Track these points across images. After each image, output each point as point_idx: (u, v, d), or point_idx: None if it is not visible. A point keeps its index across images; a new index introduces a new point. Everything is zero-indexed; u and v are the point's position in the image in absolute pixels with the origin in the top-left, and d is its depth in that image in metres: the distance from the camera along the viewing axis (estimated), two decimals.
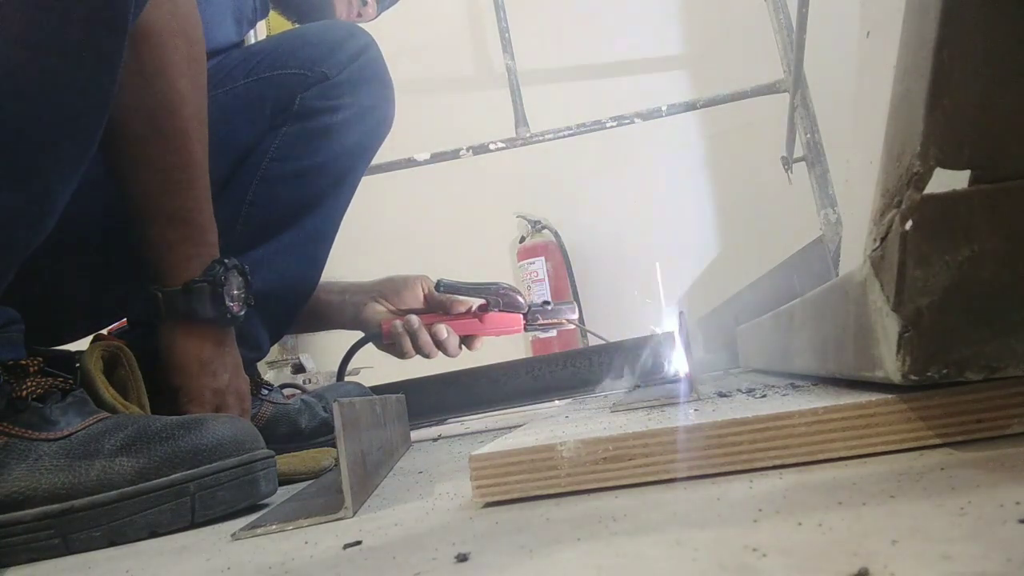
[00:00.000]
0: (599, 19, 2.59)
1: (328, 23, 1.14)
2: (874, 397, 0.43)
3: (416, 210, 2.63)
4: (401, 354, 1.17)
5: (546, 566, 0.32)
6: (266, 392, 1.01)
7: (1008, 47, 0.37)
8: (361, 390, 1.13)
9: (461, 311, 1.18)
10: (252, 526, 0.52)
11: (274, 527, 0.51)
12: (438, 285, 1.18)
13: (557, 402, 1.26)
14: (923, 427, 0.41)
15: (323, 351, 2.37)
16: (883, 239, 0.40)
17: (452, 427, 1.31)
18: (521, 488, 0.46)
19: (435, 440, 1.09)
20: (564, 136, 1.90)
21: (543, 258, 2.57)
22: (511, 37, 1.99)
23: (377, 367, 1.38)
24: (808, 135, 1.71)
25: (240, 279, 0.83)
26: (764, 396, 0.56)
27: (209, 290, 0.79)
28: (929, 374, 0.39)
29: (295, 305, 1.08)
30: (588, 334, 1.53)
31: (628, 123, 1.87)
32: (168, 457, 0.60)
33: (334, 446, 0.65)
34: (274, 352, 2.17)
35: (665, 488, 0.43)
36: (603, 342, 1.26)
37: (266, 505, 0.65)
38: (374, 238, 2.38)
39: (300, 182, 1.02)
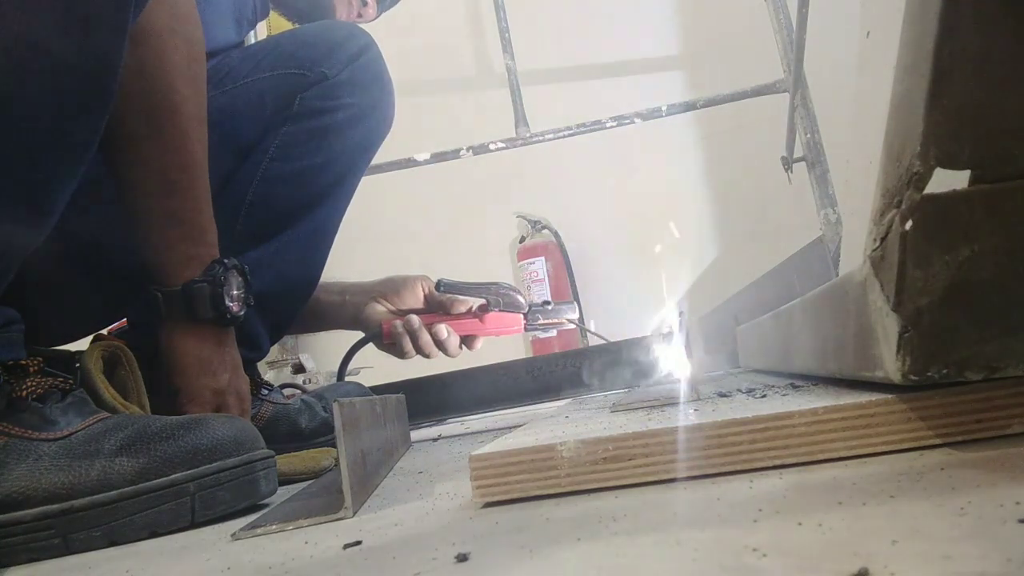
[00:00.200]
0: (599, 19, 2.59)
1: (328, 23, 1.14)
2: (874, 397, 0.43)
3: (416, 210, 2.63)
4: (401, 354, 1.17)
5: (546, 566, 0.32)
6: (266, 392, 1.01)
7: (1008, 47, 0.37)
8: (361, 390, 1.13)
9: (461, 311, 1.18)
10: (252, 526, 0.52)
11: (274, 527, 0.51)
12: (438, 285, 1.18)
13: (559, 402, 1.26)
14: (923, 427, 0.41)
15: (323, 351, 2.37)
16: (883, 239, 0.40)
17: (452, 427, 1.31)
18: (521, 488, 0.46)
19: (435, 440, 1.09)
20: (564, 136, 1.90)
21: (543, 258, 2.57)
22: (511, 37, 1.99)
23: (377, 367, 1.38)
24: (808, 135, 1.71)
25: (240, 279, 0.83)
26: (764, 396, 0.56)
27: (209, 290, 0.79)
28: (929, 374, 0.39)
29: (295, 305, 1.08)
30: (588, 334, 1.53)
31: (628, 123, 1.87)
32: (168, 457, 0.60)
33: (334, 446, 0.65)
34: (274, 352, 2.17)
35: (665, 488, 0.43)
36: (603, 342, 1.26)
37: (266, 505, 0.65)
38: (374, 238, 2.38)
39: (300, 182, 1.02)
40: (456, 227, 2.64)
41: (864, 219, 0.44)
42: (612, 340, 1.25)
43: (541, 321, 1.22)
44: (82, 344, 0.81)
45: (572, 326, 1.29)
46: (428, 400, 1.24)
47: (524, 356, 1.39)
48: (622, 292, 2.50)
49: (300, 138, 1.01)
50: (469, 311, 1.18)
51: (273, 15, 1.27)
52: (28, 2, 0.57)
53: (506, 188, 2.58)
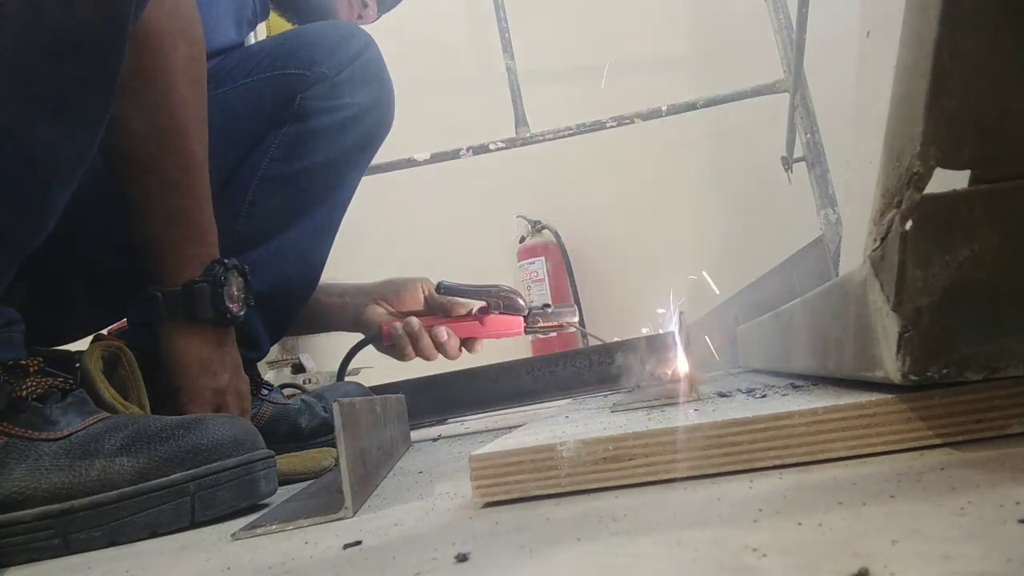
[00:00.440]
0: (599, 19, 2.59)
1: (328, 23, 1.14)
2: (874, 397, 0.43)
3: (416, 210, 2.63)
4: (401, 356, 1.17)
5: (546, 566, 0.32)
6: (266, 392, 1.01)
7: (1008, 47, 0.37)
8: (361, 390, 1.13)
9: (461, 313, 1.18)
10: (252, 526, 0.52)
11: (274, 527, 0.51)
12: (438, 287, 1.18)
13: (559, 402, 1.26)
14: (923, 427, 0.41)
15: (323, 351, 2.37)
16: (883, 239, 0.40)
17: (452, 427, 1.31)
18: (521, 488, 0.46)
19: (435, 440, 1.09)
20: (564, 136, 1.90)
21: (543, 258, 2.57)
22: (511, 37, 1.99)
23: (377, 367, 1.38)
24: (808, 135, 1.71)
25: (240, 279, 0.83)
26: (764, 396, 0.56)
27: (209, 290, 0.79)
28: (929, 374, 0.39)
29: (295, 305, 1.08)
30: (588, 337, 1.53)
31: (628, 123, 1.87)
32: (168, 457, 0.60)
33: (334, 446, 0.65)
34: (274, 352, 2.17)
35: (665, 488, 0.43)
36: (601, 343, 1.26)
37: (266, 505, 0.65)
38: (374, 238, 2.38)
39: (300, 182, 1.02)
40: (456, 227, 2.64)
41: (864, 219, 0.44)
42: (613, 340, 1.25)
43: (541, 324, 1.22)
44: (82, 344, 0.81)
45: (572, 330, 1.29)
46: (428, 400, 1.24)
47: (524, 356, 1.38)
48: (622, 292, 2.50)
49: (300, 138, 1.01)
50: (469, 314, 1.18)
51: (273, 16, 1.27)
52: (30, 3, 0.57)
53: (506, 188, 2.58)
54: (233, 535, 0.51)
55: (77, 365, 0.72)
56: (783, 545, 0.28)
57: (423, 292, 1.20)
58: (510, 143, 1.91)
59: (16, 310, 0.66)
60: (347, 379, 1.28)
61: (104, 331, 0.93)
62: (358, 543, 0.42)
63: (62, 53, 0.60)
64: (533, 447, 0.46)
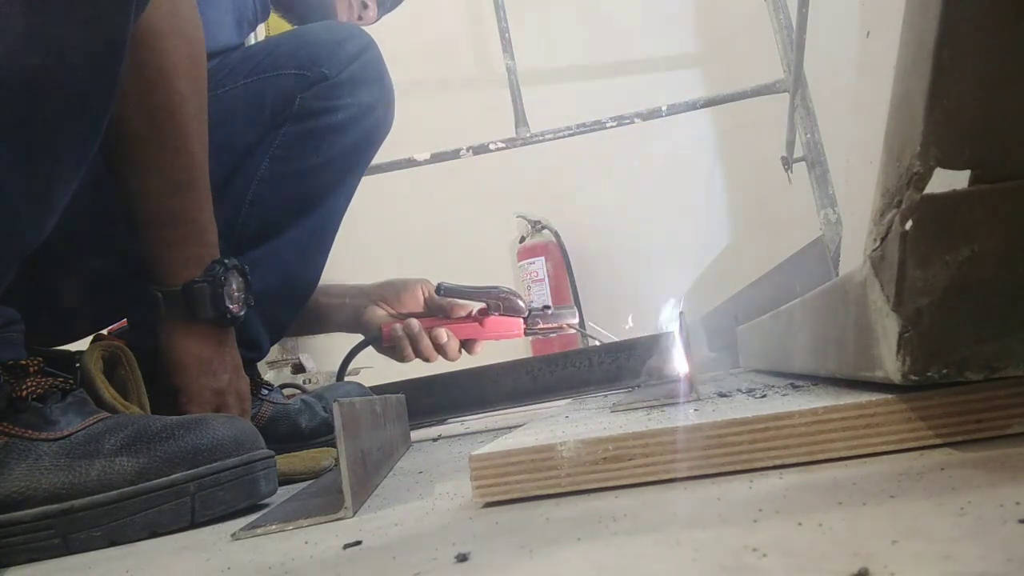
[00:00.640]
0: (599, 19, 2.59)
1: (328, 24, 1.14)
2: (874, 397, 0.43)
3: (416, 210, 2.62)
4: (401, 358, 1.17)
5: (546, 566, 0.32)
6: (266, 392, 1.01)
7: (1008, 47, 0.37)
8: (361, 390, 1.13)
9: (461, 315, 1.18)
10: (252, 526, 0.52)
11: (274, 527, 0.51)
12: (438, 289, 1.18)
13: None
14: (923, 427, 0.41)
15: (323, 351, 2.37)
16: (883, 239, 0.40)
17: (452, 427, 1.31)
18: (521, 488, 0.46)
19: (435, 440, 1.09)
20: (564, 136, 1.90)
21: (543, 258, 2.57)
22: (511, 37, 1.99)
23: (377, 367, 1.38)
24: (808, 135, 1.71)
25: (240, 279, 0.83)
26: (764, 396, 0.56)
27: (209, 290, 0.79)
28: (929, 374, 0.39)
29: (295, 305, 1.08)
30: (588, 338, 1.53)
31: (628, 123, 1.87)
32: (168, 457, 0.60)
33: (334, 446, 0.65)
34: (274, 352, 2.17)
35: (665, 488, 0.43)
36: (601, 343, 1.26)
37: (266, 505, 0.65)
38: (374, 238, 2.38)
39: (300, 182, 1.02)
40: (456, 227, 2.64)
41: (864, 219, 0.44)
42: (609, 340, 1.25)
43: (541, 326, 1.22)
44: (82, 344, 0.81)
45: (572, 331, 1.29)
46: (428, 400, 1.24)
47: (524, 356, 1.38)
48: (622, 292, 2.50)
49: (300, 138, 1.01)
50: (469, 315, 1.18)
51: (273, 17, 1.27)
52: (30, 3, 0.57)
53: (506, 188, 2.58)
54: (233, 535, 0.51)
55: (77, 365, 0.72)
56: (783, 545, 0.28)
57: (423, 293, 1.20)
58: (510, 143, 1.91)
59: (16, 310, 0.66)
60: (347, 379, 1.28)
61: (104, 331, 0.93)
62: (358, 543, 0.42)
63: (63, 53, 0.60)
64: (533, 447, 0.46)
